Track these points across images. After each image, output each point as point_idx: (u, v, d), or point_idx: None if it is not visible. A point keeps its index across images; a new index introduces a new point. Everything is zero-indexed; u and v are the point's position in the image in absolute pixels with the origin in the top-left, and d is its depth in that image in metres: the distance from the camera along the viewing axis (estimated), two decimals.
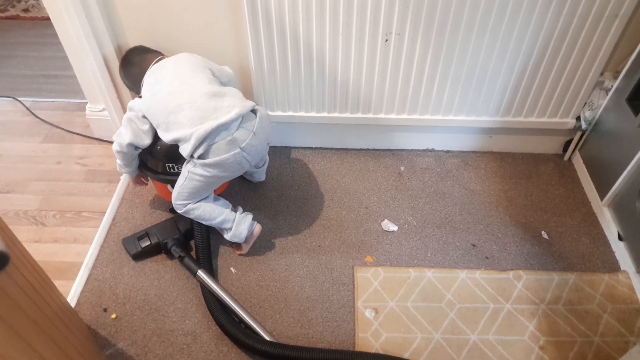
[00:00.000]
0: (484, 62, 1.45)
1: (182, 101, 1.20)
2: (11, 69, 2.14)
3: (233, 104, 1.22)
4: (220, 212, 1.34)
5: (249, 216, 1.39)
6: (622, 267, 1.39)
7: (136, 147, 1.31)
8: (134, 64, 1.38)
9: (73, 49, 1.49)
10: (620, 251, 1.41)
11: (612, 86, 1.49)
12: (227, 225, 1.36)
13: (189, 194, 1.30)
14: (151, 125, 1.28)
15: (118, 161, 1.35)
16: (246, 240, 1.39)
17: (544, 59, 1.43)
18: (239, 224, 1.35)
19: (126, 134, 1.28)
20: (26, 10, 2.54)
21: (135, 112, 1.27)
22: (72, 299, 1.30)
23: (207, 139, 1.19)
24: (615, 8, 1.31)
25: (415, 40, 1.40)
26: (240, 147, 1.22)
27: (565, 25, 1.35)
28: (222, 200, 1.39)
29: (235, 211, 1.39)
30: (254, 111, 1.27)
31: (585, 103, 1.57)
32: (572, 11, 1.32)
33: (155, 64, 1.33)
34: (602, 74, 1.51)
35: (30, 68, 2.14)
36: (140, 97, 1.31)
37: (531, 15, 1.33)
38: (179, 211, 1.34)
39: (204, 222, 1.35)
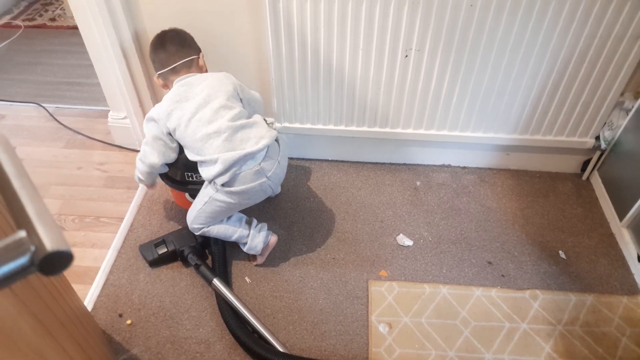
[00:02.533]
0: (503, 80, 1.45)
1: (211, 130, 1.20)
2: (36, 76, 2.20)
3: (261, 135, 1.23)
4: (234, 230, 1.35)
5: (264, 228, 1.40)
6: None
7: (165, 164, 1.32)
8: (166, 51, 1.31)
9: (99, 57, 1.53)
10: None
11: (632, 107, 1.48)
12: (243, 241, 1.37)
13: (207, 218, 1.31)
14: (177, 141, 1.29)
15: (140, 176, 1.35)
16: (262, 252, 1.39)
17: (563, 78, 1.43)
18: (254, 238, 1.36)
19: (152, 154, 1.28)
20: (53, 19, 2.61)
21: (160, 126, 1.26)
22: (88, 303, 1.31)
23: (234, 167, 1.19)
24: (637, 29, 1.31)
25: (435, 57, 1.41)
26: (266, 177, 1.24)
27: (586, 45, 1.35)
28: (235, 216, 1.39)
29: (250, 224, 1.39)
30: (276, 139, 1.29)
31: (605, 123, 1.56)
32: (593, 32, 1.32)
33: (192, 76, 1.30)
34: (622, 94, 1.50)
35: (54, 75, 2.20)
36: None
37: (552, 35, 1.33)
38: (195, 233, 1.35)
39: (220, 237, 1.36)
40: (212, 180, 1.23)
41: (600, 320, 1.29)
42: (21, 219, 0.36)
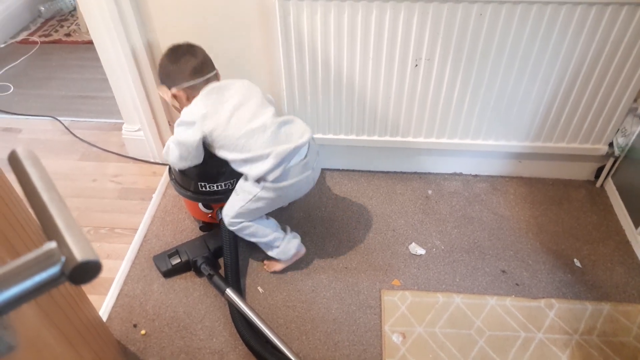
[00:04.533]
0: (514, 87, 1.45)
1: (255, 126, 1.20)
2: (52, 90, 2.24)
3: (303, 130, 1.25)
4: (271, 230, 1.37)
5: (298, 237, 1.42)
6: None
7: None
8: (197, 61, 1.27)
9: (113, 71, 1.56)
10: None
11: None
12: (277, 243, 1.38)
13: (249, 214, 1.31)
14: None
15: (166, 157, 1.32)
16: (289, 259, 1.42)
17: (575, 84, 1.43)
18: (289, 242, 1.39)
19: (174, 155, 1.27)
20: (68, 34, 2.67)
21: (196, 129, 1.21)
22: (103, 313, 1.33)
23: (285, 161, 1.20)
24: None
25: (445, 65, 1.42)
26: (312, 169, 1.27)
27: (598, 52, 1.35)
28: (272, 219, 1.40)
29: (284, 230, 1.42)
30: None
31: (618, 129, 1.55)
32: (605, 38, 1.32)
33: (219, 82, 1.29)
34: (635, 101, 1.49)
35: (69, 89, 2.24)
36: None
37: (563, 42, 1.33)
38: (231, 228, 1.34)
39: (253, 239, 1.36)
40: (262, 177, 1.22)
41: (618, 330, 1.27)
42: (51, 231, 0.37)
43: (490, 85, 1.45)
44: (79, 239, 0.36)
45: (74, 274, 0.35)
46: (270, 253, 1.40)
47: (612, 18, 1.28)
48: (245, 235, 1.35)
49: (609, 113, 1.49)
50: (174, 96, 1.29)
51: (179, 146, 1.24)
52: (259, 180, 1.23)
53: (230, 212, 1.32)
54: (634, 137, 1.51)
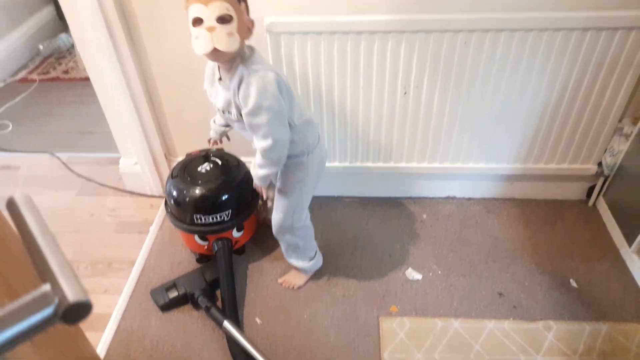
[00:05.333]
0: (502, 111, 1.48)
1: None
2: (50, 126, 2.28)
3: None
4: (313, 237, 1.43)
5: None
6: None
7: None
8: None
9: (109, 106, 1.60)
10: None
11: (631, 132, 1.50)
12: (312, 253, 1.44)
13: (304, 207, 1.33)
14: None
15: (265, 175, 1.19)
16: (312, 273, 1.48)
17: (561, 106, 1.47)
18: (319, 253, 1.46)
19: (285, 132, 1.11)
20: (66, 72, 2.72)
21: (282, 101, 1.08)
22: (101, 350, 1.32)
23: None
24: (629, 57, 1.35)
25: (433, 92, 1.45)
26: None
27: (581, 73, 1.39)
28: None
29: None
30: None
31: (606, 149, 1.58)
32: (587, 60, 1.36)
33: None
34: (620, 121, 1.52)
35: (67, 125, 2.28)
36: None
37: (546, 66, 1.37)
38: (296, 232, 1.34)
39: (303, 243, 1.39)
40: (316, 142, 1.24)
41: (617, 349, 1.27)
42: (45, 273, 0.38)
43: (477, 111, 1.49)
44: (71, 281, 0.38)
45: (66, 314, 0.37)
46: (301, 263, 1.43)
47: (592, 43, 1.32)
48: (304, 237, 1.39)
49: (595, 133, 1.52)
50: (246, 26, 1.05)
51: (271, 119, 1.07)
52: (308, 148, 1.22)
53: (287, 218, 1.31)
54: (621, 156, 1.54)
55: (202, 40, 0.98)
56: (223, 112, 1.16)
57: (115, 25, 1.40)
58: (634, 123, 1.50)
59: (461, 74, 1.41)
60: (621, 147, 1.54)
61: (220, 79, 1.13)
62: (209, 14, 0.96)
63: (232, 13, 0.98)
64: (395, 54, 1.38)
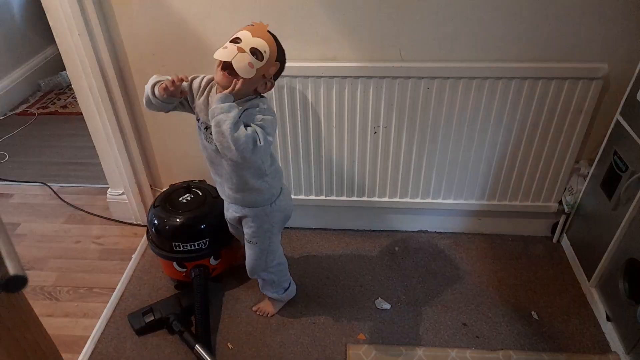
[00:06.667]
0: (465, 151, 1.59)
1: None
2: (44, 157, 2.38)
3: None
4: (287, 270, 1.51)
5: None
6: (612, 349, 1.40)
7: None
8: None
9: (99, 139, 1.70)
10: (609, 332, 1.43)
11: (588, 172, 1.60)
12: (287, 284, 1.51)
13: (276, 250, 1.40)
14: None
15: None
16: (286, 300, 1.54)
17: (520, 148, 1.57)
18: (292, 283, 1.54)
19: (266, 145, 1.12)
20: (64, 107, 2.86)
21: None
22: None
23: None
24: (579, 105, 1.47)
25: (401, 132, 1.57)
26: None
27: (536, 118, 1.51)
28: None
29: None
30: None
31: (566, 188, 1.67)
32: (540, 106, 1.48)
33: None
34: (577, 162, 1.63)
35: (61, 157, 2.38)
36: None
37: (503, 111, 1.49)
38: (271, 272, 1.42)
39: (278, 277, 1.46)
40: (280, 192, 1.30)
41: None
42: None
43: (443, 150, 1.59)
44: (13, 258, 0.48)
45: (8, 284, 0.47)
46: (276, 294, 1.49)
47: (544, 90, 1.45)
48: (279, 273, 1.45)
49: (554, 173, 1.63)
50: (265, 79, 1.12)
51: (267, 136, 1.11)
52: (272, 197, 1.28)
53: (260, 263, 1.38)
54: (580, 195, 1.64)
55: (227, 51, 1.04)
56: (206, 128, 1.18)
57: (107, 65, 1.52)
58: (590, 164, 1.61)
59: (426, 117, 1.52)
60: (579, 186, 1.64)
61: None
62: (249, 42, 1.04)
63: (266, 57, 1.06)
64: (364, 96, 1.50)
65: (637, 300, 1.28)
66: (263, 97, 1.18)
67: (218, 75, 1.08)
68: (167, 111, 1.22)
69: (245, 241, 1.37)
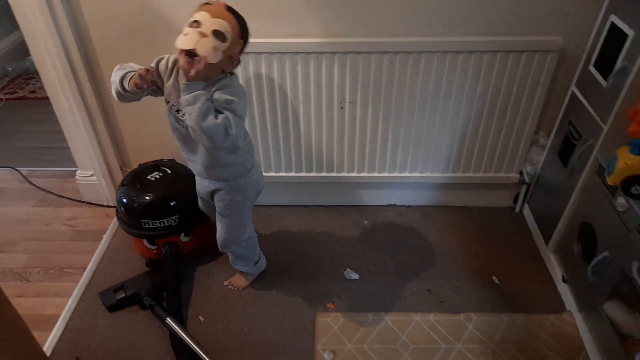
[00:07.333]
0: (429, 124, 1.63)
1: None
2: (14, 142, 2.35)
3: None
4: (257, 244, 1.54)
5: None
6: (567, 308, 1.47)
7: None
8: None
9: (67, 122, 1.69)
10: (565, 293, 1.50)
11: (546, 143, 1.66)
12: (257, 258, 1.54)
13: (248, 222, 1.43)
14: None
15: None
16: (256, 274, 1.58)
17: (481, 120, 1.62)
18: (262, 257, 1.57)
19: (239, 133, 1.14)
20: (33, 91, 2.81)
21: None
22: (47, 348, 1.37)
23: None
24: (536, 77, 1.52)
25: (367, 107, 1.60)
26: None
27: (496, 91, 1.55)
28: None
29: None
30: None
31: (526, 159, 1.74)
32: (499, 78, 1.52)
33: None
34: (536, 133, 1.69)
35: (30, 141, 2.35)
36: None
37: (464, 84, 1.53)
38: (242, 246, 1.46)
39: (248, 252, 1.50)
40: (251, 166, 1.32)
41: (529, 338, 1.39)
42: None
43: (408, 124, 1.63)
44: None
45: None
46: (246, 268, 1.53)
47: (502, 64, 1.49)
48: (249, 247, 1.49)
49: (514, 144, 1.68)
50: (233, 61, 1.12)
51: (239, 119, 1.12)
52: (245, 171, 1.30)
53: (231, 237, 1.41)
54: (540, 165, 1.70)
55: (188, 37, 1.01)
56: (177, 111, 1.18)
57: (71, 46, 1.51)
58: (548, 135, 1.67)
59: (390, 92, 1.56)
60: (539, 157, 1.70)
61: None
62: (209, 24, 1.02)
63: (229, 37, 1.04)
64: (329, 72, 1.52)
65: (589, 261, 1.35)
66: (232, 74, 1.18)
67: (182, 61, 1.04)
68: (141, 99, 1.22)
69: (217, 215, 1.39)
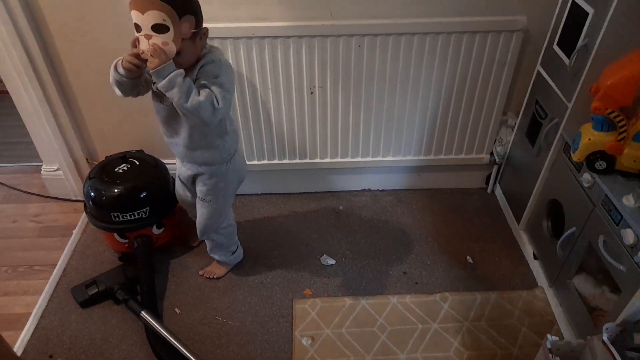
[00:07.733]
0: (400, 108, 1.64)
1: None
2: None
3: None
4: (236, 234, 1.53)
5: None
6: (539, 284, 1.51)
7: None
8: None
9: (28, 114, 1.63)
10: (536, 269, 1.54)
11: (515, 124, 1.69)
12: (235, 247, 1.54)
13: (227, 210, 1.43)
14: None
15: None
16: (233, 264, 1.57)
17: (450, 103, 1.63)
18: (240, 247, 1.56)
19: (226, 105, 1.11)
20: None
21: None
22: (18, 348, 1.34)
23: None
24: (502, 57, 1.53)
25: (337, 91, 1.59)
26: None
27: (464, 72, 1.56)
28: None
29: None
30: None
31: (495, 140, 1.76)
32: (467, 59, 1.53)
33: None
34: (505, 114, 1.71)
35: None
36: None
37: (432, 66, 1.54)
38: (222, 235, 1.45)
39: (227, 240, 1.49)
40: (235, 152, 1.30)
41: (502, 314, 1.42)
42: None
43: (378, 108, 1.63)
44: None
45: None
46: (224, 257, 1.52)
47: (469, 44, 1.50)
48: (228, 235, 1.48)
49: (484, 126, 1.70)
50: (197, 36, 1.08)
51: (226, 92, 1.11)
52: (229, 156, 1.29)
53: (212, 223, 1.39)
54: (509, 146, 1.73)
55: (142, 46, 1.03)
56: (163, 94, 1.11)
57: (27, 34, 1.45)
58: (517, 115, 1.69)
59: (359, 75, 1.55)
60: (508, 137, 1.73)
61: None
62: (145, 22, 0.99)
63: (169, 23, 0.99)
64: (298, 57, 1.50)
65: (558, 237, 1.38)
66: (214, 47, 1.16)
67: (149, 65, 1.04)
68: (137, 94, 1.20)
69: (197, 200, 1.37)
